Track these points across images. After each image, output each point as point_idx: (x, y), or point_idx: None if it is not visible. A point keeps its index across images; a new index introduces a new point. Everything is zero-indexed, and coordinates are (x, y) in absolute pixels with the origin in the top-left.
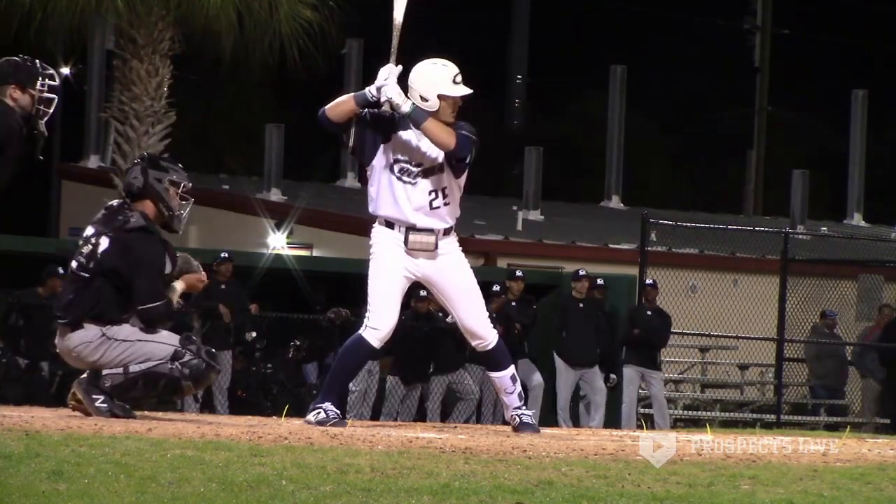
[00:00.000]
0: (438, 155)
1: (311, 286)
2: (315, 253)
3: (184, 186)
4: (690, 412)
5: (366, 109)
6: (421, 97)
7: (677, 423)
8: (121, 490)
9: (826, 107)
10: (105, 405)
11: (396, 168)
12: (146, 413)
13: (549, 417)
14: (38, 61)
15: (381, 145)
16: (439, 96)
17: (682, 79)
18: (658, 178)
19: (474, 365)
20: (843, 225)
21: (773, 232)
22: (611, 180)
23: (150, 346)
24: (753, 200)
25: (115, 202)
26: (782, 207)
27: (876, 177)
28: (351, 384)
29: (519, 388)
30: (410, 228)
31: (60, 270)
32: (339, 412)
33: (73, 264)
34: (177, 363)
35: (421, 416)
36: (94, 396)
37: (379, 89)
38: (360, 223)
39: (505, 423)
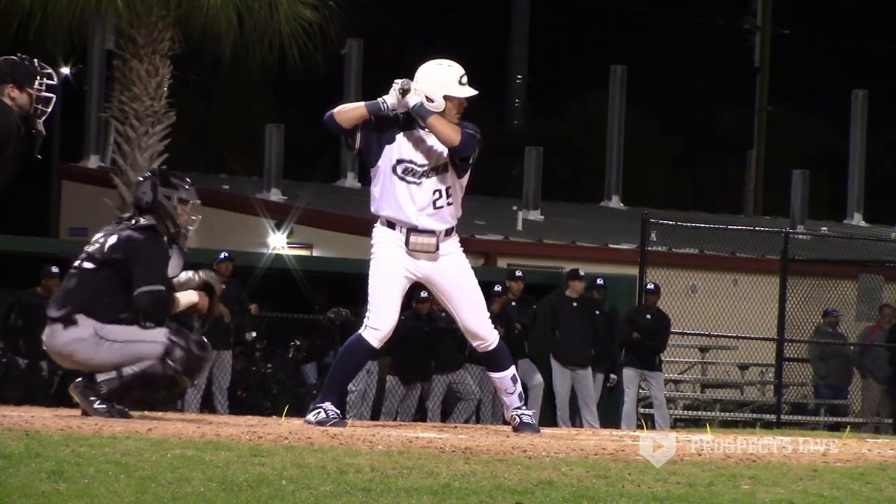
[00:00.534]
0: (443, 152)
1: (310, 286)
2: (315, 253)
3: (192, 204)
4: (690, 412)
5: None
6: (427, 98)
7: (677, 423)
8: (121, 490)
9: (826, 107)
10: (104, 406)
11: (400, 168)
12: (146, 413)
13: (548, 417)
14: (36, 60)
15: (386, 146)
16: (445, 97)
17: (682, 79)
18: (658, 178)
19: (474, 365)
20: (843, 225)
21: (774, 232)
22: (611, 180)
23: (141, 347)
24: (753, 200)
25: (125, 214)
26: (782, 207)
27: (876, 177)
28: (350, 384)
29: (519, 388)
30: (412, 230)
31: (55, 270)
32: (338, 412)
33: (79, 259)
34: (168, 360)
35: (421, 416)
36: (92, 399)
37: (405, 92)
38: (361, 223)
39: (505, 423)
